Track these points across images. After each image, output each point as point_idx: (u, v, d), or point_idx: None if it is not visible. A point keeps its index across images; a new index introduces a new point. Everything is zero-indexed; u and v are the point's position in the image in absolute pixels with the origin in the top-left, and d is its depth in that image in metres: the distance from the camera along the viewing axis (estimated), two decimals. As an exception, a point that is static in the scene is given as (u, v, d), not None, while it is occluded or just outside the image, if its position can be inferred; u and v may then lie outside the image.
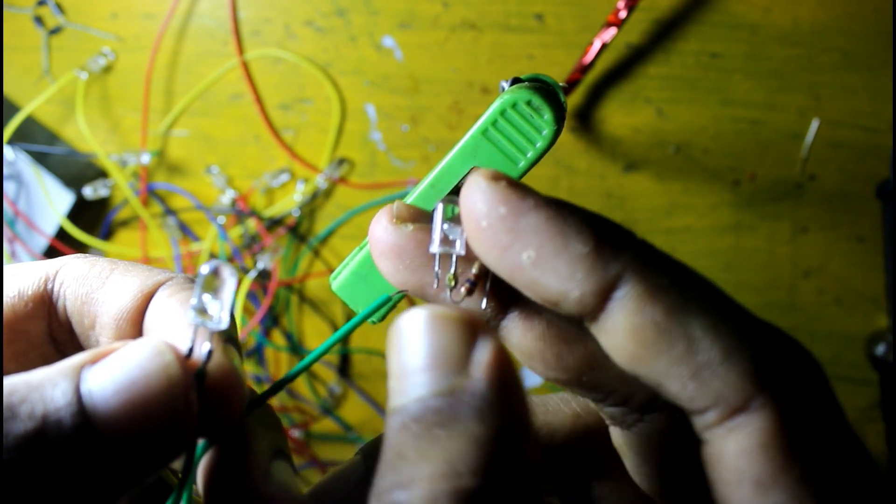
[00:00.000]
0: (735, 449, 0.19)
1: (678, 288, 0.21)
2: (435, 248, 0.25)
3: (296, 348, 0.67)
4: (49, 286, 0.28)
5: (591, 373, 0.25)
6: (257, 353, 0.67)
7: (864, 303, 0.64)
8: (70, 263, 0.28)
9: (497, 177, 0.22)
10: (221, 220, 0.64)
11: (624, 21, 0.57)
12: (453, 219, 0.25)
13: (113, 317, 0.27)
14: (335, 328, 0.67)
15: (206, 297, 0.23)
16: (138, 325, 0.27)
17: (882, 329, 0.63)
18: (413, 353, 0.20)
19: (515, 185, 0.22)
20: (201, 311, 0.23)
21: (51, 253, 0.63)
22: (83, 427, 0.21)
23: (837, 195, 0.62)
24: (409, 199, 0.30)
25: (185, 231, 0.66)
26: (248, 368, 0.68)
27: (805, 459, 0.19)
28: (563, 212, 0.21)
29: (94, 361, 0.23)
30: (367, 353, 0.67)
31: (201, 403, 0.23)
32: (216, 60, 0.63)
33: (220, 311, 0.23)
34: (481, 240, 0.22)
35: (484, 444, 0.19)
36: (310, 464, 0.68)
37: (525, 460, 0.19)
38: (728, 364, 0.20)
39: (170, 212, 0.65)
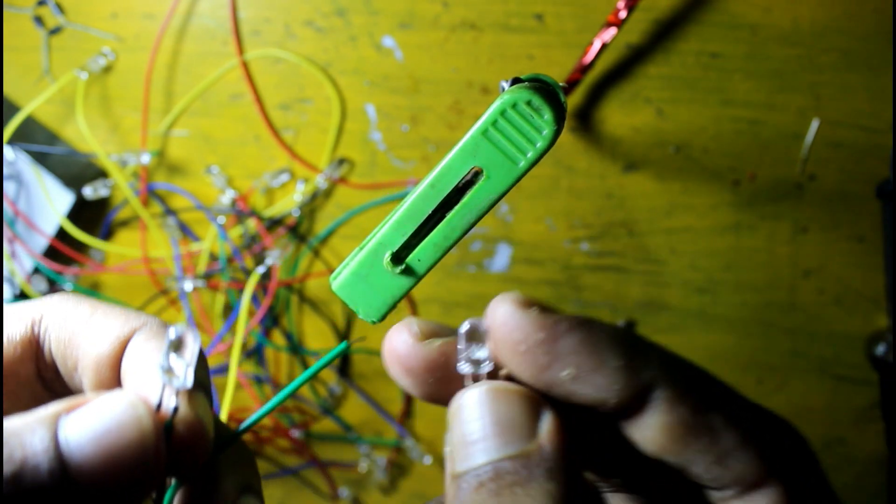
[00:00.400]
0: None
1: (699, 389, 0.25)
2: (464, 368, 0.27)
3: (296, 348, 0.67)
4: (35, 330, 0.30)
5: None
6: (257, 354, 0.67)
7: (864, 303, 0.64)
8: (53, 307, 0.30)
9: (528, 303, 0.26)
10: (221, 220, 0.64)
11: (624, 21, 0.57)
12: (475, 336, 0.27)
13: (93, 361, 0.29)
14: (335, 328, 0.67)
15: (173, 358, 0.26)
16: (116, 368, 0.29)
17: (882, 329, 0.63)
18: (480, 422, 0.25)
19: (547, 310, 0.25)
20: (168, 371, 0.26)
21: (51, 253, 0.63)
22: (59, 473, 0.23)
23: (837, 195, 0.62)
24: (409, 199, 0.30)
25: (185, 231, 0.66)
26: (249, 369, 0.68)
27: None
28: (595, 331, 0.25)
29: (69, 410, 0.24)
30: (367, 353, 0.67)
31: (170, 451, 0.25)
32: (216, 60, 0.63)
33: (185, 371, 0.26)
34: (520, 362, 0.25)
35: (557, 498, 0.23)
36: (310, 464, 0.68)
37: None
38: (744, 450, 0.24)
39: (170, 212, 0.65)
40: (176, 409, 0.25)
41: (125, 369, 0.28)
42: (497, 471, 0.24)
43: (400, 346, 0.28)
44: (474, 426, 0.25)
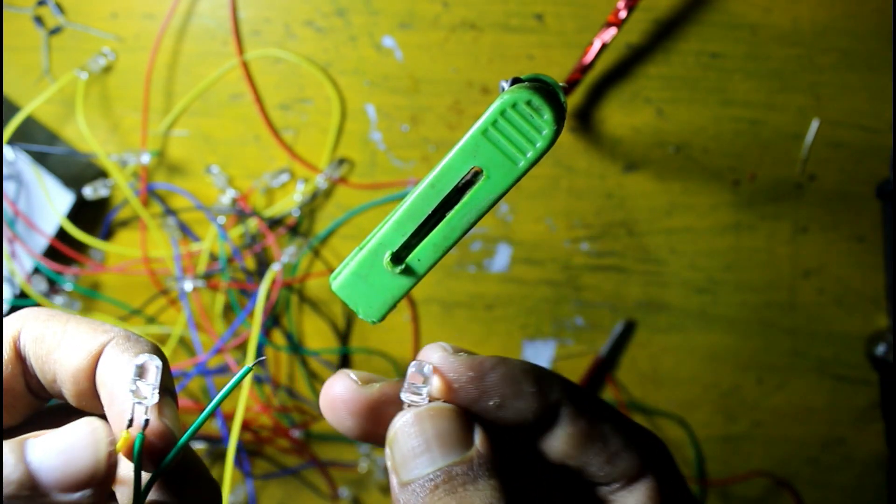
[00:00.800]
0: (632, 502, 0.32)
1: (592, 406, 0.32)
2: (407, 397, 0.32)
3: (296, 348, 0.67)
4: (17, 346, 0.32)
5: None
6: (257, 353, 0.67)
7: (864, 303, 0.64)
8: (27, 325, 0.33)
9: (456, 350, 0.32)
10: (221, 220, 0.64)
11: (624, 21, 0.57)
12: (418, 375, 0.32)
13: (70, 375, 0.32)
14: (335, 328, 0.67)
15: (140, 382, 0.30)
16: (92, 379, 0.32)
17: (882, 329, 0.63)
18: (423, 437, 0.30)
19: (473, 355, 0.32)
20: (136, 392, 0.30)
21: (51, 253, 0.63)
22: (30, 485, 0.29)
23: (837, 195, 0.62)
24: (409, 199, 0.30)
25: (185, 231, 0.66)
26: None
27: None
28: (511, 366, 0.32)
29: (36, 436, 0.30)
30: (367, 352, 0.67)
31: (143, 455, 0.30)
32: (216, 60, 0.63)
33: (151, 392, 0.30)
34: (454, 397, 0.32)
35: (500, 490, 0.29)
36: (310, 464, 0.68)
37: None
38: (628, 451, 0.32)
39: (170, 212, 0.65)
40: (146, 422, 0.30)
41: (99, 381, 0.31)
42: (448, 474, 0.30)
43: (344, 391, 0.33)
44: (418, 440, 0.30)
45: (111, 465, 0.30)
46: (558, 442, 0.32)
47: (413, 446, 0.30)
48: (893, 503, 0.64)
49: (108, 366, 0.31)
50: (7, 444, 0.29)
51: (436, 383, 0.32)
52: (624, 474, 0.32)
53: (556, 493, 0.34)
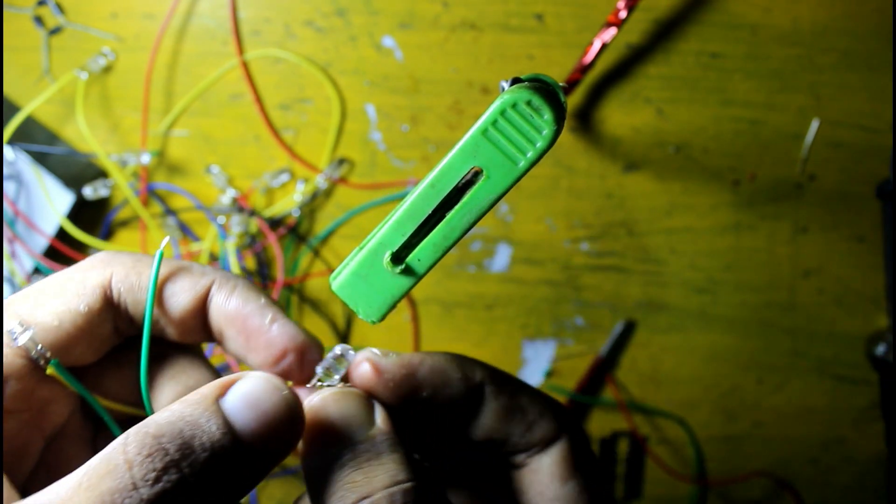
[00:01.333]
0: (548, 462, 0.36)
1: (509, 383, 0.36)
2: (319, 370, 0.34)
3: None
4: (108, 294, 0.34)
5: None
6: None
7: (864, 303, 0.64)
8: (117, 272, 0.34)
9: (386, 353, 0.35)
10: (221, 220, 0.64)
11: (624, 21, 0.57)
12: (340, 360, 0.34)
13: (178, 313, 0.34)
14: (335, 328, 0.67)
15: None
16: (199, 318, 0.35)
17: (882, 329, 0.63)
18: (334, 416, 0.32)
19: (401, 354, 0.35)
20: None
21: (51, 253, 0.63)
22: (238, 449, 0.29)
23: (837, 195, 0.62)
24: (409, 199, 0.30)
25: (185, 231, 0.66)
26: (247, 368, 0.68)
27: (581, 465, 0.36)
28: (437, 358, 0.35)
29: (222, 394, 0.30)
30: (367, 353, 0.67)
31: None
32: (216, 60, 0.63)
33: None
34: (391, 394, 0.34)
35: (403, 461, 0.32)
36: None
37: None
38: (543, 418, 0.35)
39: (170, 212, 0.65)
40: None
41: (217, 321, 0.35)
42: (357, 451, 0.31)
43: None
44: (324, 422, 0.32)
45: (302, 417, 0.32)
46: (485, 418, 0.35)
47: (321, 426, 0.32)
48: (893, 503, 0.64)
49: (225, 306, 0.35)
50: (199, 405, 0.29)
51: (364, 374, 0.34)
52: (542, 439, 0.36)
53: (480, 468, 0.38)
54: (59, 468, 0.35)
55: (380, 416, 0.33)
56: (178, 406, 0.29)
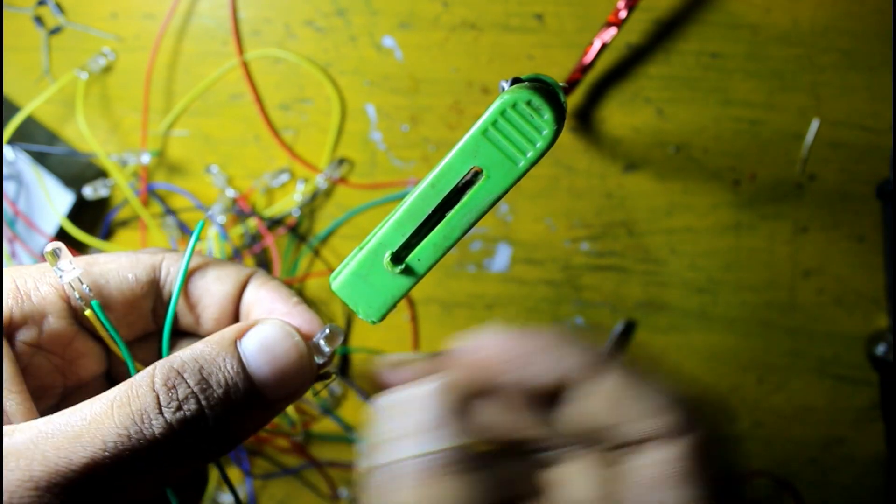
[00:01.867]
0: (659, 460, 0.30)
1: (633, 367, 0.31)
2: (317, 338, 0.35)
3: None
4: (156, 274, 0.37)
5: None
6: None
7: (864, 303, 0.64)
8: (169, 257, 0.37)
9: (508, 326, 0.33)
10: (221, 219, 0.64)
11: (624, 21, 0.57)
12: (332, 337, 0.35)
13: (217, 299, 0.37)
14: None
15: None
16: (236, 304, 0.37)
17: (882, 329, 0.63)
18: (430, 414, 0.30)
19: (520, 331, 0.33)
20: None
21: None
22: (250, 390, 0.31)
23: (837, 195, 0.62)
24: (409, 199, 0.30)
25: (185, 231, 0.66)
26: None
27: (702, 473, 0.30)
28: (551, 335, 0.32)
29: (240, 337, 0.33)
30: (367, 352, 0.67)
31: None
32: (216, 60, 0.63)
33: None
34: (503, 373, 0.32)
35: (495, 482, 0.30)
36: (309, 464, 0.68)
37: None
38: (664, 411, 0.30)
39: (170, 212, 0.65)
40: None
41: (247, 306, 0.37)
42: (446, 458, 0.29)
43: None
44: (418, 417, 0.31)
45: (313, 364, 0.34)
46: (596, 399, 0.31)
47: (409, 423, 0.30)
48: (893, 503, 0.64)
49: (257, 294, 0.37)
50: (219, 345, 0.32)
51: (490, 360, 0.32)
52: (658, 432, 0.30)
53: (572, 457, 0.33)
54: None
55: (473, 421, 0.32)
56: (201, 345, 0.32)
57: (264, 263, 0.66)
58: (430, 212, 0.30)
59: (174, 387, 0.30)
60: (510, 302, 0.65)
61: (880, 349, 0.62)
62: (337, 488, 0.69)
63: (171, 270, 0.37)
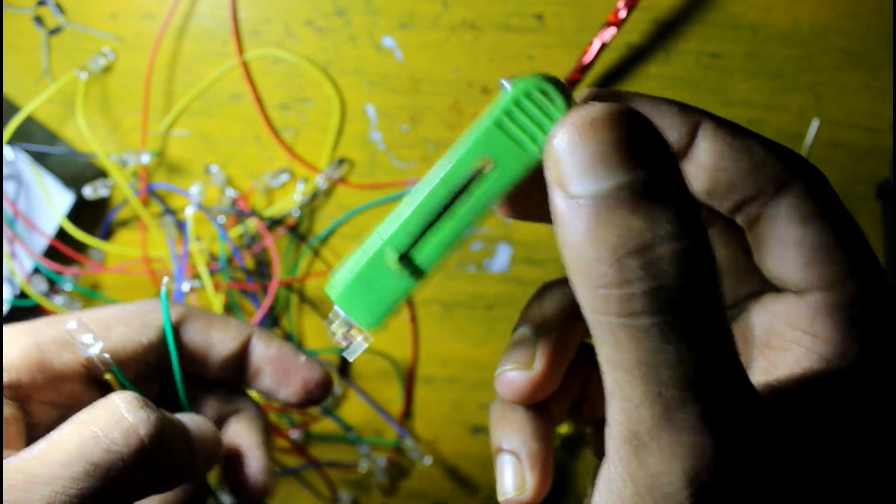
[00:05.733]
0: (784, 206, 0.29)
1: (732, 126, 0.31)
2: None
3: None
4: (180, 329, 0.42)
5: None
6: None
7: (864, 302, 0.64)
8: (191, 320, 0.43)
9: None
10: (221, 219, 0.64)
11: (624, 21, 0.57)
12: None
13: (222, 357, 0.43)
14: (335, 328, 0.67)
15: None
16: (238, 361, 0.44)
17: (882, 329, 0.63)
18: (622, 135, 0.25)
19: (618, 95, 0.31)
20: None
21: (51, 253, 0.63)
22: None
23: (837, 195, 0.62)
24: (417, 196, 0.30)
25: (183, 229, 0.66)
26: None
27: (824, 207, 0.30)
28: (650, 100, 0.31)
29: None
30: (367, 352, 0.67)
31: None
32: (216, 60, 0.63)
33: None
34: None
35: (687, 207, 0.25)
36: (309, 464, 0.68)
37: None
38: (773, 161, 0.30)
39: (169, 212, 0.65)
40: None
41: (261, 362, 0.44)
42: (636, 185, 0.24)
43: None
44: (611, 141, 0.25)
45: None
46: (704, 156, 0.30)
47: (599, 150, 0.24)
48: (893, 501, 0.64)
49: (274, 349, 0.44)
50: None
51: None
52: (774, 181, 0.30)
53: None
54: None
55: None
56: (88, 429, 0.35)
57: (264, 263, 0.66)
58: (438, 207, 0.29)
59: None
60: (510, 302, 0.65)
61: (880, 349, 0.62)
62: (337, 491, 0.69)
63: (191, 330, 0.42)
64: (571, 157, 0.24)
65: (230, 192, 0.64)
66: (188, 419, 0.39)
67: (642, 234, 0.23)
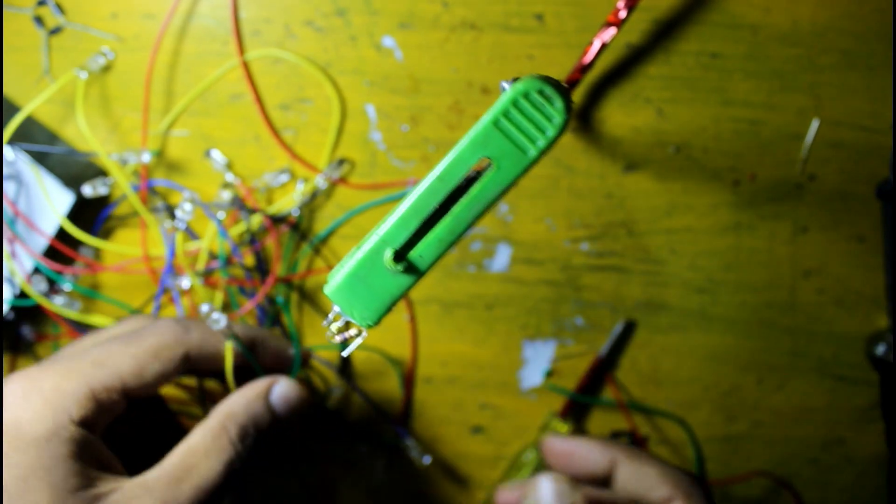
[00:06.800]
0: None
1: (640, 456, 0.55)
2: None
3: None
4: (189, 348, 0.53)
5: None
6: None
7: (864, 303, 0.64)
8: (196, 336, 0.54)
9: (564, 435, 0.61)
10: (221, 215, 0.64)
11: (624, 21, 0.57)
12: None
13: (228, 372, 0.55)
14: (335, 328, 0.67)
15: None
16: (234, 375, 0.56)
17: (882, 329, 0.63)
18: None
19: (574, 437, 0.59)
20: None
21: (51, 253, 0.63)
22: (273, 422, 0.52)
23: (837, 195, 0.62)
24: (415, 195, 0.30)
25: (185, 229, 0.65)
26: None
27: None
28: (586, 443, 0.57)
29: (270, 388, 0.53)
30: (367, 352, 0.67)
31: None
32: (216, 60, 0.63)
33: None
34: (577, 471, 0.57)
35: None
36: (309, 464, 0.68)
37: None
38: (662, 483, 0.53)
39: (169, 209, 0.65)
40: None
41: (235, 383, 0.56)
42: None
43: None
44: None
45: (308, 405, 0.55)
46: (621, 479, 0.53)
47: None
48: (893, 503, 0.64)
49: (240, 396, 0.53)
50: (255, 394, 0.52)
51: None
52: (661, 498, 0.51)
53: None
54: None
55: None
56: (247, 399, 0.51)
57: (263, 260, 0.66)
58: (436, 206, 0.30)
59: (244, 435, 0.49)
60: (510, 302, 0.65)
61: (880, 349, 0.62)
62: (336, 490, 0.69)
63: (197, 343, 0.54)
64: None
65: (230, 177, 0.64)
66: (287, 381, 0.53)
67: None
